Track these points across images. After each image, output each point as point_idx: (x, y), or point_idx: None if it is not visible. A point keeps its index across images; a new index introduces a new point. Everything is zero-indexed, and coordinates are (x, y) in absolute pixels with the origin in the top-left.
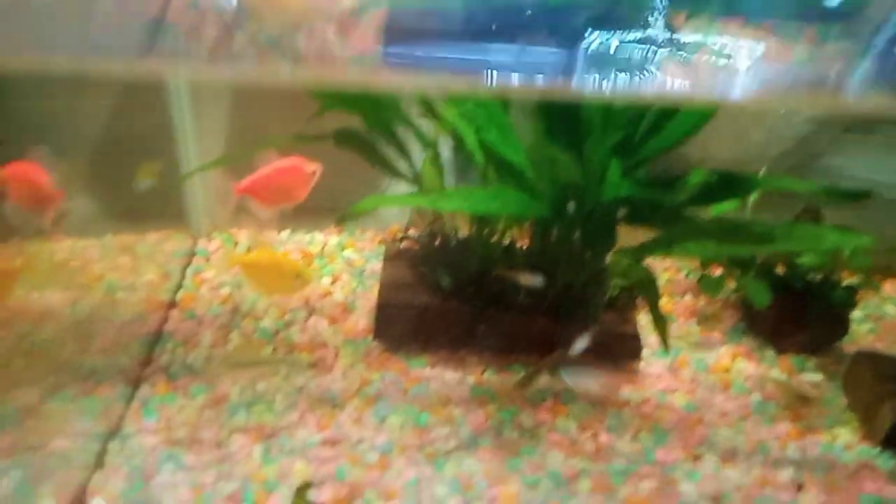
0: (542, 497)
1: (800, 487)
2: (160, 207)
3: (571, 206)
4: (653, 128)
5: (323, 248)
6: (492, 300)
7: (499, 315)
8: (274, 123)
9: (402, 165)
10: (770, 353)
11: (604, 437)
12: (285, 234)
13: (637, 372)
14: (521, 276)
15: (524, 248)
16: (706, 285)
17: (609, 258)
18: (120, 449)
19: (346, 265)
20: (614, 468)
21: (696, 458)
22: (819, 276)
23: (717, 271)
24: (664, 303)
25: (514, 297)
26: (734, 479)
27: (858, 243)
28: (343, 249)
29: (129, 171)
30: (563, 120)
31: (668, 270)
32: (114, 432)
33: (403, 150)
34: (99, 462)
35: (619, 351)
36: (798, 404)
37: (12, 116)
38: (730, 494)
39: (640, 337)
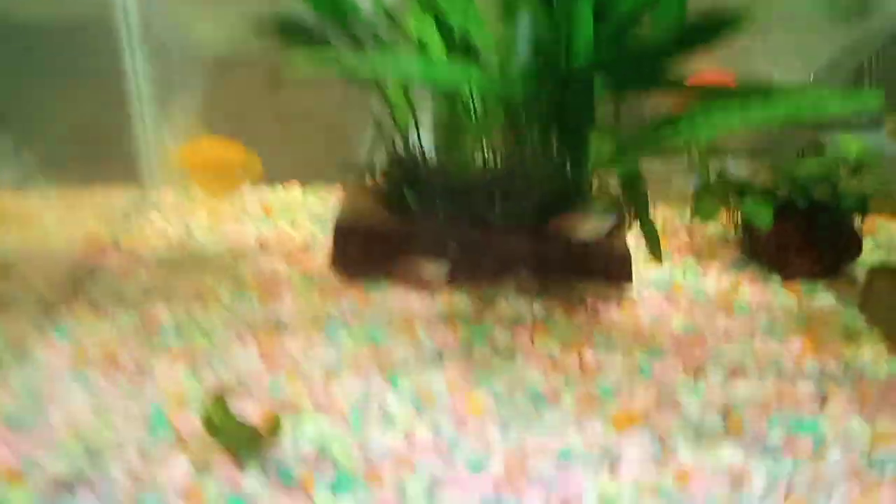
0: (516, 411)
1: (824, 400)
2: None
3: (545, 84)
4: None
5: (286, 200)
6: (462, 219)
7: (470, 235)
8: None
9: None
10: (775, 279)
11: (590, 356)
12: (245, 188)
13: (627, 297)
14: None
15: (496, 159)
16: (700, 208)
17: (591, 160)
18: (17, 368)
19: (308, 214)
20: (602, 384)
21: (699, 372)
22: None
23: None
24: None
25: (486, 214)
26: (744, 393)
27: (864, 105)
28: (305, 201)
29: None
30: None
31: (661, 213)
32: (18, 356)
33: (358, 45)
34: None
35: (606, 271)
36: (811, 323)
37: None
38: (741, 406)
39: (631, 258)
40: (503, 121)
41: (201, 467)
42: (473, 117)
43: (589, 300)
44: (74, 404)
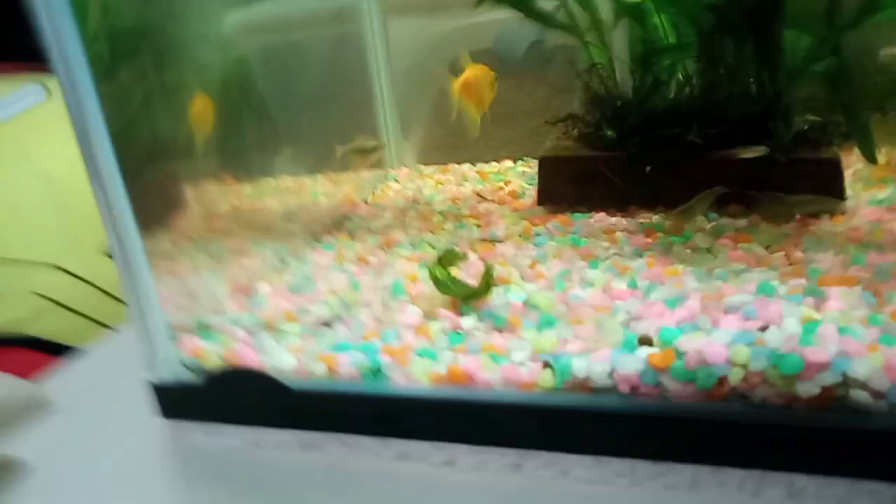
0: (716, 276)
1: None
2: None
3: None
4: None
5: (498, 170)
6: (660, 147)
7: (669, 160)
8: None
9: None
10: None
11: (798, 254)
12: (465, 165)
13: (842, 211)
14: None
15: (692, 80)
16: None
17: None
18: (297, 265)
19: (519, 175)
20: (812, 268)
21: None
22: None
23: None
24: (881, 173)
25: (683, 139)
26: None
27: None
28: (516, 166)
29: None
30: None
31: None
32: (296, 258)
33: None
34: (278, 272)
35: (815, 187)
36: None
37: None
38: None
39: (842, 172)
40: (695, 39)
41: (429, 315)
42: (666, 40)
43: (798, 216)
44: (335, 282)
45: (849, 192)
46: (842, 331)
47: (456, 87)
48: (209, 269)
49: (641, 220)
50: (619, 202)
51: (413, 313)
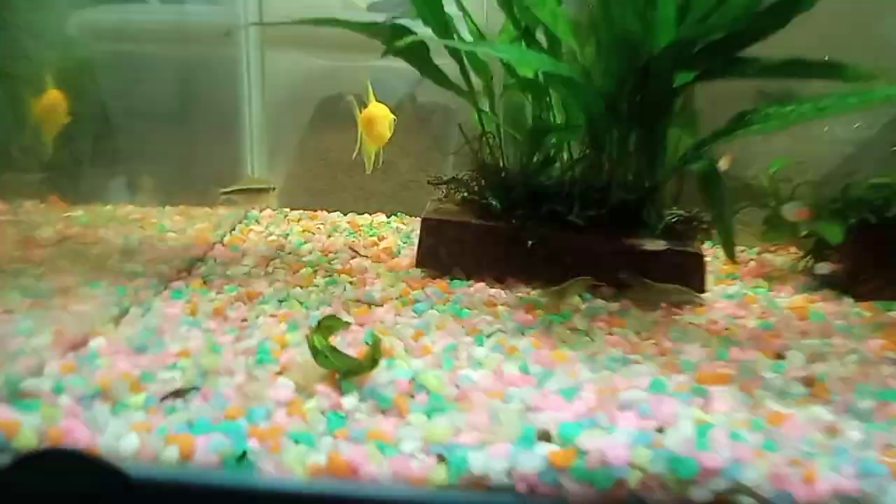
0: (602, 364)
1: None
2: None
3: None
4: None
5: (371, 222)
6: (542, 222)
7: (547, 237)
8: None
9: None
10: (848, 301)
11: (667, 344)
12: (335, 214)
13: (700, 302)
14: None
15: (577, 161)
16: (769, 235)
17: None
18: (140, 314)
19: (393, 231)
20: (683, 361)
21: (778, 357)
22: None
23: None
24: (727, 269)
25: (564, 218)
26: (827, 371)
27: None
28: (390, 222)
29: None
30: None
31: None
32: (138, 305)
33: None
34: (116, 322)
35: (680, 278)
36: (890, 328)
37: None
38: (825, 379)
39: (704, 267)
40: (585, 123)
41: (303, 390)
42: (556, 121)
43: (663, 303)
44: (189, 341)
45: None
46: (732, 436)
47: (361, 119)
48: (25, 312)
49: (520, 294)
50: (498, 272)
51: (285, 387)
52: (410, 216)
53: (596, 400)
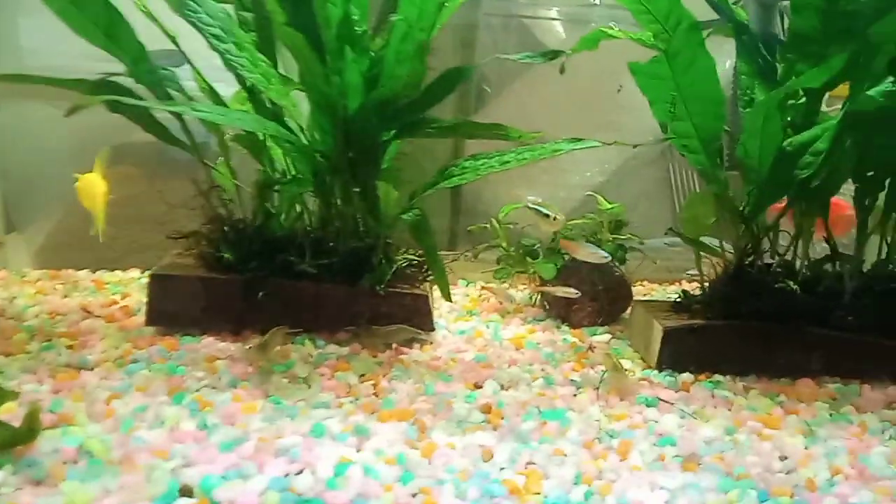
0: (290, 413)
1: (574, 397)
2: None
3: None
4: None
5: (120, 280)
6: (276, 273)
7: (282, 287)
8: None
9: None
10: (565, 329)
11: (384, 384)
12: (83, 272)
13: (430, 341)
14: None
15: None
16: (499, 273)
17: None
18: None
19: (141, 288)
20: (387, 400)
21: (478, 387)
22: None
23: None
24: (469, 306)
25: (298, 268)
26: (512, 398)
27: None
28: (141, 277)
29: None
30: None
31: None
32: None
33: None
34: None
35: (410, 320)
36: (584, 353)
37: None
38: (503, 403)
39: (430, 309)
40: (311, 178)
41: None
42: (286, 177)
43: (394, 344)
44: None
45: (441, 322)
46: (366, 471)
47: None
48: None
49: (249, 346)
50: (234, 325)
51: None
52: None
53: (254, 449)
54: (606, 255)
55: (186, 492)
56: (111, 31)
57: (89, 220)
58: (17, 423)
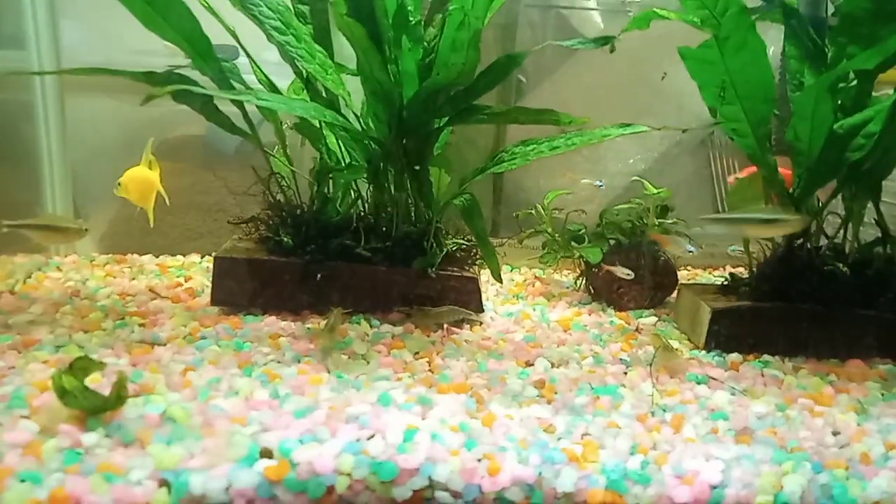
0: (355, 384)
1: (625, 374)
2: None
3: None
4: None
5: (182, 264)
6: (333, 256)
7: (338, 270)
8: None
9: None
10: (611, 311)
11: (438, 361)
12: (146, 257)
13: (480, 321)
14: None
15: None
16: (545, 258)
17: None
18: None
19: (203, 272)
20: (444, 376)
21: (529, 364)
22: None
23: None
24: (515, 290)
25: (353, 251)
26: (563, 375)
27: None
28: (202, 262)
29: None
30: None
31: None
32: None
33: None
34: None
35: (460, 301)
36: (632, 333)
37: None
38: (555, 379)
39: (480, 290)
40: (366, 164)
41: (47, 431)
42: (342, 164)
43: (445, 325)
44: None
45: (489, 305)
46: (433, 437)
47: (124, 179)
48: None
49: (309, 325)
50: (293, 306)
51: (26, 430)
52: None
53: (325, 416)
54: (692, 248)
55: (266, 454)
56: (180, 25)
57: (139, 211)
58: (102, 392)
